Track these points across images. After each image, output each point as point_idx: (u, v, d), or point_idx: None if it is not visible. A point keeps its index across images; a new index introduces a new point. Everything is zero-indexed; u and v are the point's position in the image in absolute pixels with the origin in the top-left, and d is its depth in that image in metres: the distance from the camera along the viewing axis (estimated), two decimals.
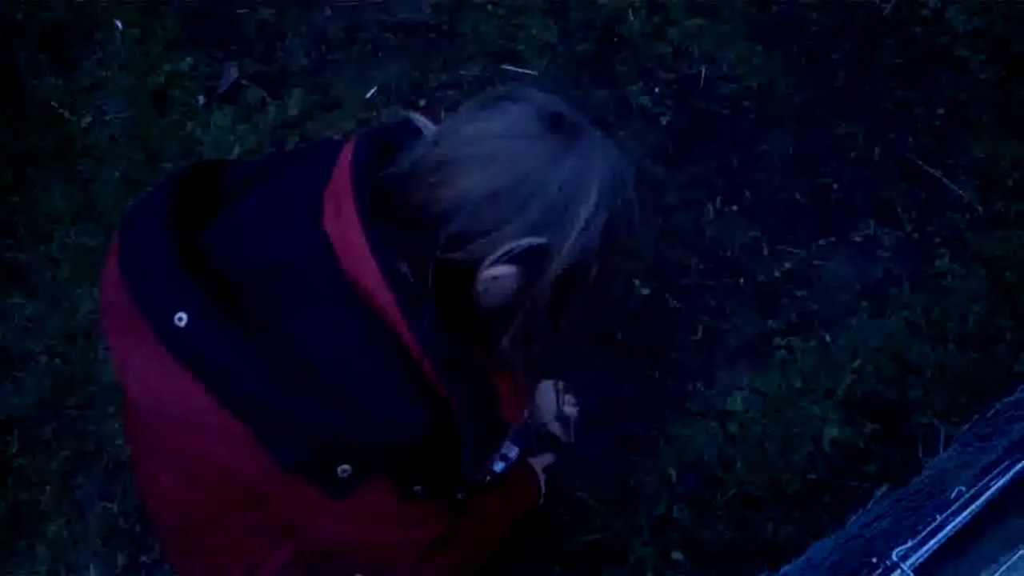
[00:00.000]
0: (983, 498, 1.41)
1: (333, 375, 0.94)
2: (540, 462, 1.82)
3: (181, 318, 0.91)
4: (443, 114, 1.03)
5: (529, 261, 0.95)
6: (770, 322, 2.13)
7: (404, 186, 0.97)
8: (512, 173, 0.93)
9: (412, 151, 0.98)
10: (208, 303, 0.92)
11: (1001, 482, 1.46)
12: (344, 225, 0.96)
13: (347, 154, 1.01)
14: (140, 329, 0.94)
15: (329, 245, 0.96)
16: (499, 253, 0.94)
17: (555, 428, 1.91)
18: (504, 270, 0.95)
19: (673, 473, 1.98)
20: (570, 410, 1.92)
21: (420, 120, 1.02)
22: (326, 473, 0.97)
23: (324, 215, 0.98)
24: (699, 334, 2.12)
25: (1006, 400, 1.52)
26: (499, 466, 1.26)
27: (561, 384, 1.85)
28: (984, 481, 1.51)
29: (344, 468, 0.96)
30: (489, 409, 1.05)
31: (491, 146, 0.94)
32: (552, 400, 1.82)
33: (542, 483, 1.77)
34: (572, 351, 1.37)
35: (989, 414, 1.53)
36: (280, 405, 0.92)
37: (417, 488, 1.05)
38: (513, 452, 1.27)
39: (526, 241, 0.93)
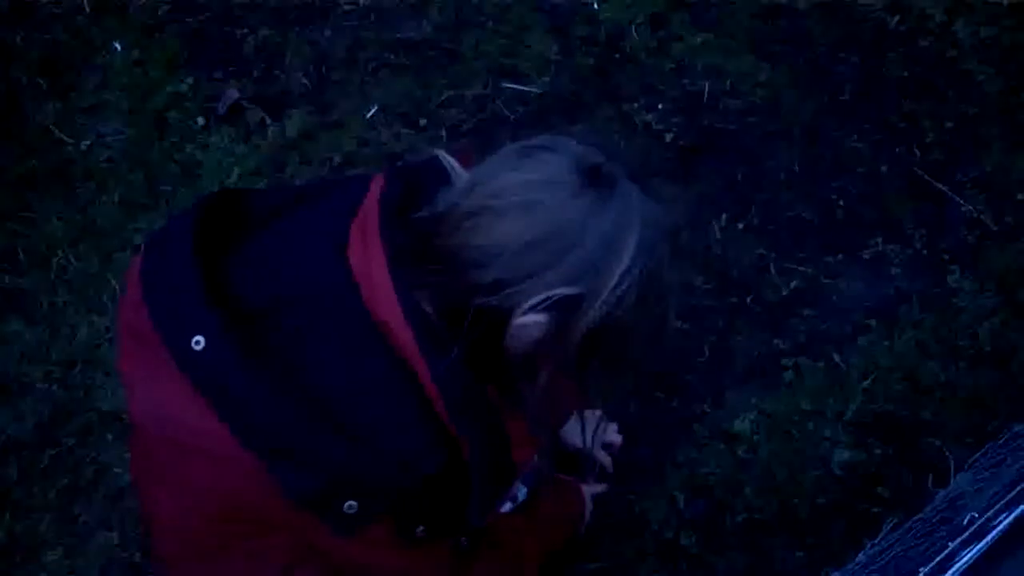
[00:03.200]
0: (999, 529, 1.37)
1: (345, 408, 0.94)
2: (590, 490, 1.81)
3: (199, 341, 0.91)
4: (474, 156, 1.02)
5: (562, 311, 0.95)
6: (778, 342, 2.10)
7: (437, 229, 0.97)
8: (551, 224, 0.93)
9: (447, 194, 0.99)
10: (227, 328, 0.92)
11: (1017, 510, 1.43)
12: (369, 259, 0.96)
13: (376, 189, 1.01)
14: (156, 351, 0.94)
15: (352, 278, 0.96)
16: (534, 301, 0.94)
17: (601, 457, 1.89)
18: (536, 318, 0.95)
19: (681, 498, 1.94)
20: (614, 438, 1.90)
21: (449, 160, 1.02)
22: (332, 508, 0.95)
23: (350, 248, 0.98)
24: (706, 355, 2.09)
25: (1020, 426, 1.48)
26: (506, 507, 1.24)
27: (602, 413, 1.84)
28: (998, 507, 1.48)
29: (351, 504, 0.95)
30: (500, 453, 1.04)
31: (530, 196, 0.94)
32: (598, 429, 1.82)
33: (587, 512, 1.75)
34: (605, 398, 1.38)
35: (1002, 439, 1.49)
36: (289, 435, 0.92)
37: (420, 529, 1.04)
38: (522, 493, 1.26)
39: (563, 291, 0.94)
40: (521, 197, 0.94)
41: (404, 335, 0.94)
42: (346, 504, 0.95)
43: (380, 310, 0.94)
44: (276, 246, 1.02)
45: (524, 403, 1.03)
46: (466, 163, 1.02)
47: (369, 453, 0.93)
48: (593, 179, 0.95)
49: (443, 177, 1.01)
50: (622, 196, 0.96)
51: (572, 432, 1.79)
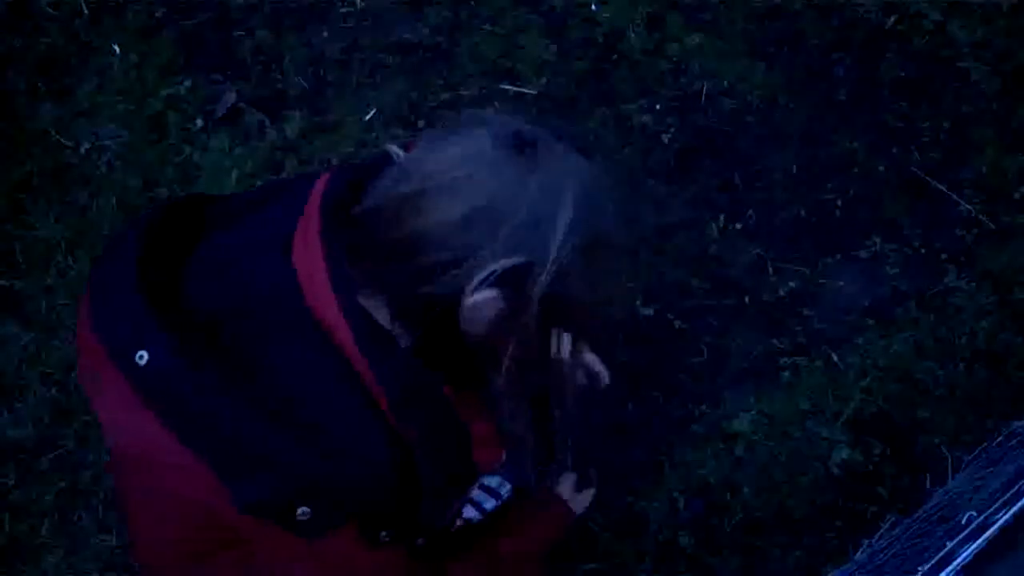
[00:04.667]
0: (996, 525, 1.37)
1: (294, 412, 0.93)
2: (580, 503, 1.68)
3: (142, 356, 0.90)
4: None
5: (511, 283, 0.93)
6: (775, 342, 2.10)
7: (375, 222, 0.96)
8: (480, 198, 0.92)
9: (379, 186, 0.97)
10: (170, 341, 0.91)
11: (1014, 508, 1.43)
12: (310, 260, 0.95)
13: (319, 188, 1.00)
14: (108, 367, 0.93)
15: (296, 280, 0.95)
16: (480, 277, 0.92)
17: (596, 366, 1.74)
18: (487, 295, 0.93)
19: (679, 498, 1.95)
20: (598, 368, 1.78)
21: (396, 152, 1.01)
22: (286, 516, 0.94)
23: (294, 249, 0.97)
24: (704, 355, 2.09)
25: (1018, 425, 1.48)
26: (490, 503, 1.22)
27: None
28: (996, 506, 1.48)
29: (304, 511, 0.94)
30: (453, 452, 1.02)
31: (455, 173, 0.93)
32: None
33: (578, 506, 1.65)
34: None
35: (999, 438, 1.50)
36: (238, 443, 0.91)
37: (384, 534, 1.03)
38: (505, 490, 1.23)
39: (506, 262, 0.92)
40: (448, 175, 0.93)
41: (344, 335, 0.93)
42: (299, 510, 0.94)
43: (321, 310, 0.94)
44: (228, 251, 1.01)
45: (492, 393, 1.02)
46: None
47: (318, 457, 0.92)
48: (517, 146, 0.94)
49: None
50: (550, 158, 0.95)
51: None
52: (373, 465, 0.94)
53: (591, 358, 1.66)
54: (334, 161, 2.35)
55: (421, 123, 2.38)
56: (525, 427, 1.08)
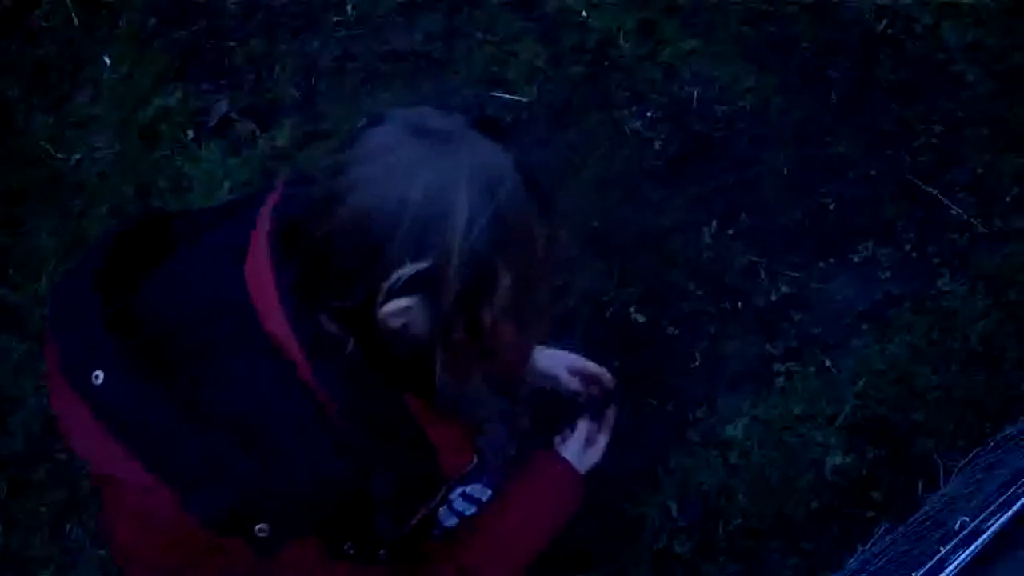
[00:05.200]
0: (991, 530, 1.37)
1: (248, 427, 0.93)
2: (588, 459, 1.43)
3: (98, 376, 0.90)
4: None
5: (422, 289, 0.89)
6: (769, 347, 2.10)
7: (308, 231, 0.93)
8: (373, 197, 0.87)
9: (308, 195, 0.95)
10: (125, 360, 0.91)
11: (1008, 513, 1.42)
12: (260, 271, 0.95)
13: (272, 200, 0.99)
14: (69, 387, 0.94)
15: (247, 293, 0.95)
16: (386, 288, 0.89)
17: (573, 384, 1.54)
18: (402, 304, 0.90)
19: (674, 505, 1.94)
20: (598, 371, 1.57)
21: None
22: (244, 531, 0.94)
23: (246, 262, 0.96)
24: (698, 361, 2.09)
25: (1012, 429, 1.48)
26: (471, 511, 1.21)
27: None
28: (989, 511, 1.48)
29: (261, 527, 0.93)
30: (409, 459, 1.01)
31: (354, 175, 0.89)
32: (564, 360, 1.54)
33: (588, 462, 1.43)
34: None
35: (992, 443, 1.49)
36: (189, 460, 0.91)
37: (348, 546, 1.02)
38: (486, 496, 1.21)
39: (411, 268, 0.88)
40: (347, 178, 0.89)
41: (291, 346, 0.93)
42: (257, 527, 0.93)
43: (270, 322, 0.93)
44: (188, 265, 1.01)
45: (452, 399, 1.00)
46: None
47: (270, 471, 0.91)
48: (416, 137, 0.89)
49: None
50: (449, 145, 0.89)
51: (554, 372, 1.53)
52: (322, 475, 0.93)
53: (584, 363, 1.62)
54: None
55: None
56: (494, 419, 1.06)
